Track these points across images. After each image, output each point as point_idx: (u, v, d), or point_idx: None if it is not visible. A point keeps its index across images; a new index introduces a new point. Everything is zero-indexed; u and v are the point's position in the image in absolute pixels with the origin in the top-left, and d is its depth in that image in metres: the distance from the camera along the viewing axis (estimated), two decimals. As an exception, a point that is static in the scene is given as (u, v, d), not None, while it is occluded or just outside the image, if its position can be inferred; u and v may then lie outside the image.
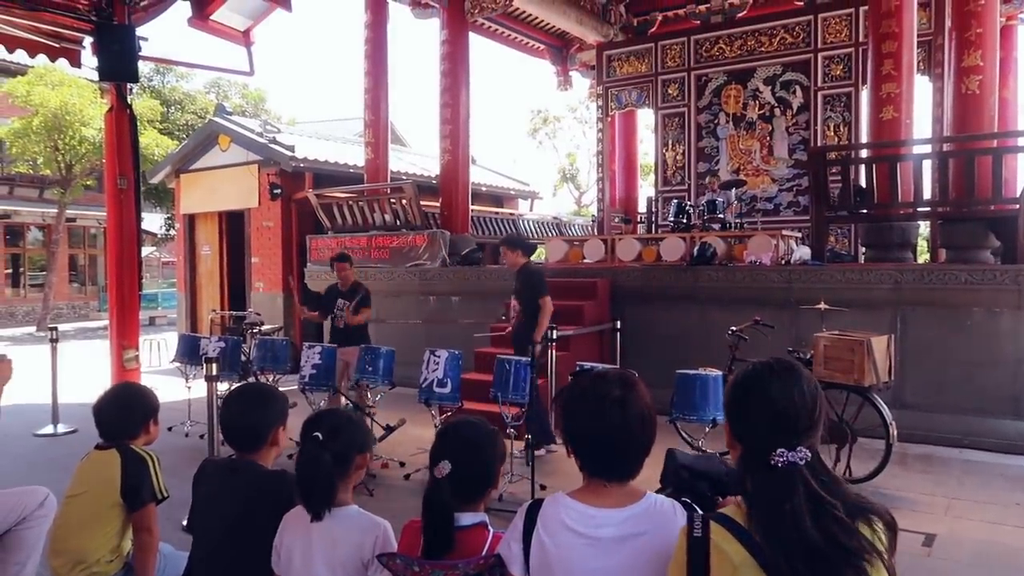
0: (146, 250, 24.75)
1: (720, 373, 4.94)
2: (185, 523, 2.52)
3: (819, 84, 10.76)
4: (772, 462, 1.43)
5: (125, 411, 2.87)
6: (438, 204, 10.97)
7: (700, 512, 1.52)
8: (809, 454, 1.45)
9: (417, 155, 18.52)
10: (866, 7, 8.89)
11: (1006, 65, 10.66)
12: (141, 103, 19.28)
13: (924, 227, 10.97)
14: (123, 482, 2.71)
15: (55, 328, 7.90)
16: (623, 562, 1.68)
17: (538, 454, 5.62)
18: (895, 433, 5.23)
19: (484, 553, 1.90)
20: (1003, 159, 7.15)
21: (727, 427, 1.62)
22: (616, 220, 12.98)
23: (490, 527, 2.00)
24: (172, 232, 20.36)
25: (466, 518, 1.97)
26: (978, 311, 6.54)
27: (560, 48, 15.10)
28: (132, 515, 2.74)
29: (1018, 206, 6.76)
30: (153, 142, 18.69)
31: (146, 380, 7.98)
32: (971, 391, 6.51)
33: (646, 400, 1.79)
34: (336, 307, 7.01)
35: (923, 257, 12.06)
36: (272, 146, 12.18)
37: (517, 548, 1.78)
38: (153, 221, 23.42)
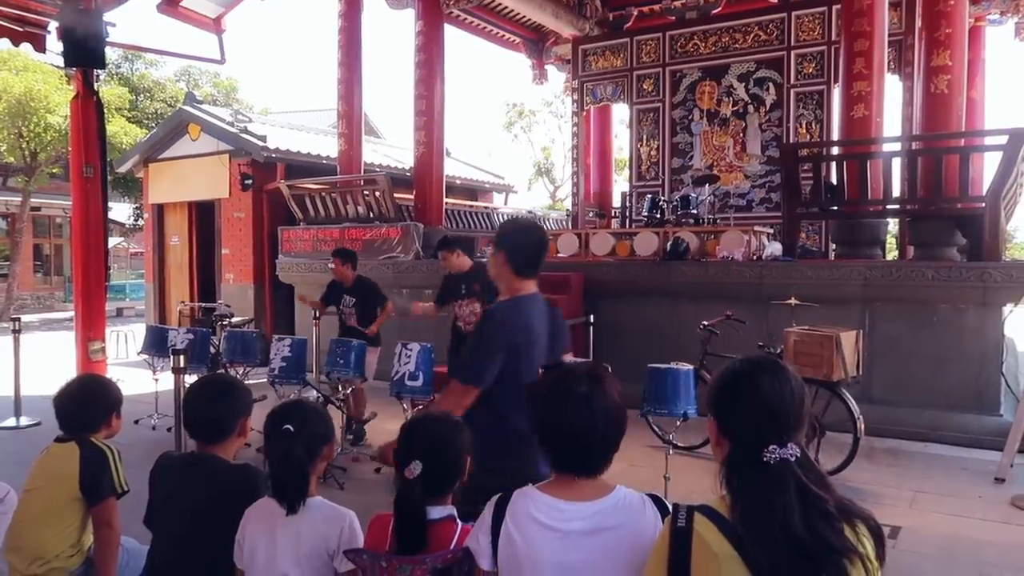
0: (114, 240, 24.36)
1: (692, 368, 4.95)
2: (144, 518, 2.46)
3: (792, 81, 10.84)
4: (764, 458, 1.44)
5: (86, 404, 2.80)
6: (412, 196, 10.89)
7: (685, 504, 1.51)
8: (799, 450, 1.46)
9: (391, 147, 18.39)
10: (839, 6, 8.97)
11: (974, 66, 10.84)
12: (109, 90, 18.93)
13: (893, 224, 11.13)
14: (82, 476, 2.65)
15: (18, 319, 7.73)
16: (592, 555, 1.68)
17: None
18: (862, 427, 5.30)
19: (452, 547, 1.89)
20: (970, 158, 7.27)
21: (714, 425, 1.60)
22: (590, 214, 12.99)
23: (458, 520, 1.98)
24: (140, 222, 20.05)
25: (435, 511, 1.95)
26: (944, 308, 6.65)
27: (536, 42, 15.06)
28: (92, 509, 2.68)
29: (984, 204, 6.87)
30: (121, 130, 18.37)
31: (113, 372, 7.89)
32: (936, 386, 6.62)
33: (614, 395, 1.79)
34: (342, 303, 6.82)
35: (892, 254, 12.23)
36: (243, 136, 12.01)
37: (485, 541, 1.78)
38: (121, 211, 23.06)
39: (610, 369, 1.92)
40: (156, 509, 2.43)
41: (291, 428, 2.08)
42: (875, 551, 1.44)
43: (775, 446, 1.44)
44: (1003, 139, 6.86)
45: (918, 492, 5.22)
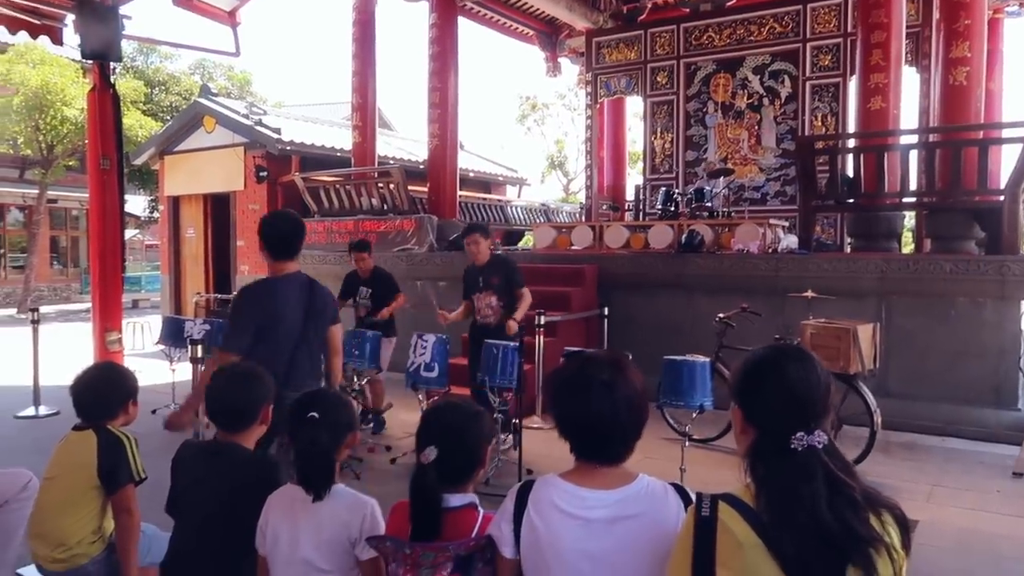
0: (129, 232, 24.49)
1: (707, 360, 4.94)
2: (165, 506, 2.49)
3: (807, 74, 10.77)
4: (792, 446, 1.43)
5: (103, 391, 2.81)
6: (426, 189, 10.90)
7: (709, 493, 1.51)
8: (826, 438, 1.45)
9: (405, 140, 18.41)
10: (856, -3, 8.89)
11: (993, 57, 10.72)
12: (124, 83, 19.03)
13: (910, 217, 11.04)
14: (100, 464, 2.66)
15: (36, 309, 7.80)
16: (614, 543, 1.68)
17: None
18: (879, 420, 5.27)
19: (474, 534, 1.89)
20: (988, 150, 7.21)
21: (738, 413, 1.58)
22: (604, 207, 12.97)
23: (480, 508, 1.98)
24: (156, 214, 20.19)
25: (455, 499, 1.95)
26: (962, 301, 6.60)
27: (549, 34, 15.02)
28: (110, 497, 2.69)
29: (1002, 197, 6.81)
30: (137, 123, 18.46)
31: (129, 363, 7.93)
32: (954, 380, 6.57)
33: (635, 383, 1.77)
34: (359, 296, 6.81)
35: (908, 247, 12.14)
36: (258, 128, 12.07)
37: (508, 529, 1.78)
38: (137, 203, 23.18)
39: (630, 357, 1.91)
40: (178, 496, 2.46)
41: (316, 416, 2.09)
42: (900, 540, 1.43)
43: (803, 433, 1.43)
44: (1022, 131, 6.79)
45: (935, 486, 5.19)
